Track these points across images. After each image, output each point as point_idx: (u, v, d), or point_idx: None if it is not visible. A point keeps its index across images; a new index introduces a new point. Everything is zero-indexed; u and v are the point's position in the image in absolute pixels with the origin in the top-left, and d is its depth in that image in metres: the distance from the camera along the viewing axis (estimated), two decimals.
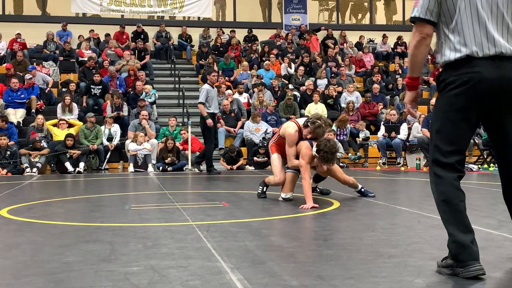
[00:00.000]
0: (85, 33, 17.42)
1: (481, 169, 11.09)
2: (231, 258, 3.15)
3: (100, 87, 14.10)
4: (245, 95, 14.77)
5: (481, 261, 3.01)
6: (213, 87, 11.00)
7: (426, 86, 16.75)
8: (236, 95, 14.55)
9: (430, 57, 18.44)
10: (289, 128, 5.88)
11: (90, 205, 5.90)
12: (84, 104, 13.97)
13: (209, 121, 10.51)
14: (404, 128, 12.18)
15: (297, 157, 5.77)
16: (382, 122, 12.86)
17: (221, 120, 12.96)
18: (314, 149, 5.55)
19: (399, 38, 18.98)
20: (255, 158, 12.16)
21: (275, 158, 6.10)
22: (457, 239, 2.68)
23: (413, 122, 12.41)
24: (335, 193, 6.43)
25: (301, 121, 5.95)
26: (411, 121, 12.68)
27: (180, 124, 13.72)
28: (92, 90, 14.07)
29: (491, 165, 11.43)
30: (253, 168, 12.04)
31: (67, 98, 12.99)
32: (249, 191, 7.02)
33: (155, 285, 2.62)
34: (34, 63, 15.39)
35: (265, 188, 6.26)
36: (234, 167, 11.95)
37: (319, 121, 5.72)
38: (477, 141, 12.20)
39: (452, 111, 2.72)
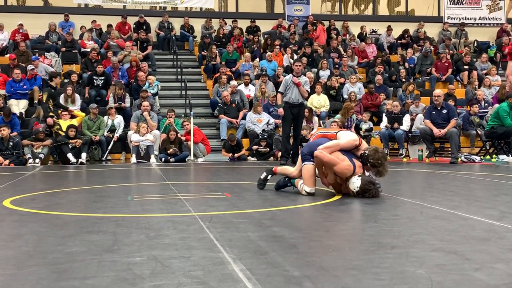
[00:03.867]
0: (87, 24, 17.41)
1: (483, 161, 11.08)
2: (233, 248, 3.16)
3: (103, 78, 14.09)
4: (251, 87, 14.73)
5: (484, 252, 3.01)
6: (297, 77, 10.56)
7: (428, 77, 16.72)
8: (242, 86, 14.52)
9: (433, 48, 18.39)
10: (355, 138, 5.54)
11: (93, 196, 5.91)
12: (87, 95, 13.97)
13: (280, 110, 10.56)
14: (406, 119, 12.16)
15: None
16: (384, 113, 12.84)
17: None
18: (356, 188, 5.26)
19: (406, 31, 18.89)
20: (254, 147, 12.14)
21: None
22: None
23: (416, 113, 12.39)
24: None
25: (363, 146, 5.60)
26: (413, 112, 12.67)
27: (182, 116, 13.73)
28: (94, 81, 14.06)
29: (494, 156, 11.42)
30: (255, 159, 12.05)
31: (69, 89, 12.99)
32: (251, 182, 7.02)
33: (158, 275, 2.63)
34: (37, 53, 15.38)
35: (269, 176, 6.17)
36: (236, 155, 11.96)
37: (379, 165, 5.38)
38: (479, 132, 12.18)
39: None
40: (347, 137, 5.58)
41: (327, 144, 5.47)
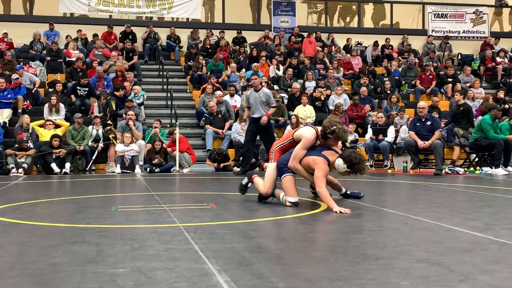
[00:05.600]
0: (72, 33, 17.34)
1: (467, 172, 11.17)
2: (218, 260, 3.14)
3: (86, 89, 14.06)
4: (237, 97, 14.75)
5: (468, 264, 3.03)
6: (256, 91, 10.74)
7: (412, 90, 16.86)
8: (227, 97, 14.54)
9: (417, 61, 18.56)
10: (308, 132, 5.68)
11: (77, 206, 5.86)
12: (74, 99, 13.88)
13: (242, 124, 10.70)
14: (391, 130, 12.24)
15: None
16: (369, 125, 12.90)
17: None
18: (343, 165, 5.40)
19: (387, 39, 19.08)
20: (241, 158, 12.14)
21: (273, 168, 5.83)
22: None
23: (400, 125, 12.48)
24: None
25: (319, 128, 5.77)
26: (398, 123, 12.75)
27: (168, 126, 13.69)
28: (78, 91, 14.01)
29: (477, 168, 11.51)
30: (240, 169, 12.01)
31: (53, 98, 12.92)
32: (236, 193, 7.00)
33: (142, 287, 2.61)
34: (21, 62, 15.28)
35: (249, 184, 6.14)
36: (221, 165, 11.95)
37: (334, 122, 5.62)
38: (463, 144, 12.28)
39: None
40: (304, 139, 5.65)
41: (293, 155, 5.64)
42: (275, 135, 11.99)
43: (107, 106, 12.58)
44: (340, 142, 12.16)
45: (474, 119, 13.71)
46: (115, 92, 12.91)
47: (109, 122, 12.27)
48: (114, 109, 12.53)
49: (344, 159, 5.43)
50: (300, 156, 5.61)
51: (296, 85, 15.07)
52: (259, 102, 10.62)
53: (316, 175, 5.44)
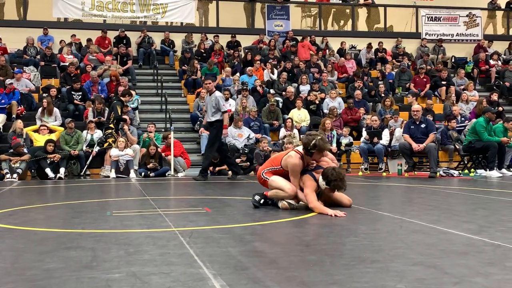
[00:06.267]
0: (66, 38, 17.31)
1: (461, 175, 11.20)
2: (214, 264, 3.14)
3: (80, 93, 14.06)
4: (231, 101, 14.75)
5: (463, 266, 3.03)
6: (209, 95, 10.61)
7: (406, 93, 16.91)
8: None
9: (411, 64, 18.62)
10: (292, 157, 5.66)
11: (71, 211, 5.84)
12: (66, 110, 13.87)
13: (201, 130, 10.49)
14: (386, 133, 12.26)
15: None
16: (364, 128, 12.92)
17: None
18: (322, 182, 5.48)
19: (380, 43, 19.13)
20: (236, 160, 12.15)
21: (277, 177, 5.78)
22: None
23: (395, 128, 12.51)
24: None
25: (299, 148, 5.75)
26: (392, 126, 12.78)
27: (162, 130, 13.68)
28: (73, 96, 14.01)
29: (472, 170, 11.55)
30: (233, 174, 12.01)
31: (45, 101, 12.89)
32: (231, 197, 7.00)
33: None
34: (15, 67, 15.24)
35: (262, 200, 5.88)
36: (216, 169, 11.94)
37: (312, 136, 5.59)
38: (458, 147, 12.32)
39: None
40: (291, 166, 5.67)
41: (292, 180, 5.70)
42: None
43: (112, 109, 12.50)
44: (334, 145, 12.25)
45: (468, 122, 13.78)
46: (120, 97, 12.92)
47: (111, 125, 12.23)
48: (120, 113, 12.53)
49: (322, 175, 5.50)
50: (297, 184, 5.68)
51: (291, 88, 15.09)
52: (210, 106, 10.40)
53: (306, 193, 5.52)
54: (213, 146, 10.51)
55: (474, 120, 12.57)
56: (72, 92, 14.02)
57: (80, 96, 14.07)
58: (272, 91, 15.36)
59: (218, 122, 10.35)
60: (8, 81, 13.60)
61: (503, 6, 21.74)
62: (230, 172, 11.47)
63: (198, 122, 13.82)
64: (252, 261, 3.25)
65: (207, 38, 18.33)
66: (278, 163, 5.86)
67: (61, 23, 18.39)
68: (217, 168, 12.03)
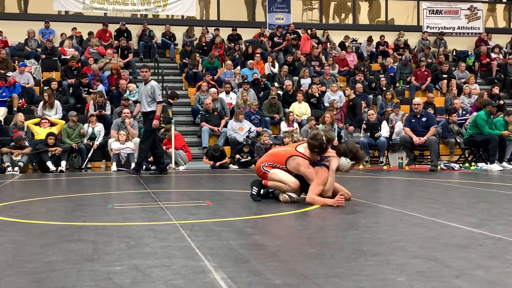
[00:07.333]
0: (67, 31, 17.28)
1: (462, 168, 11.20)
2: (215, 257, 3.15)
3: (86, 89, 14.15)
4: (232, 94, 14.75)
5: (463, 259, 3.04)
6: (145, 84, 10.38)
7: (407, 86, 16.89)
8: (223, 94, 14.54)
9: (412, 57, 18.58)
10: (296, 159, 5.60)
11: (73, 204, 5.85)
12: (67, 103, 13.86)
13: (155, 123, 10.14)
14: (385, 126, 12.23)
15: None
16: (364, 121, 12.91)
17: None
18: (345, 161, 5.47)
19: (381, 37, 19.08)
20: (237, 156, 12.16)
21: (278, 170, 5.70)
22: None
23: (395, 121, 12.49)
24: None
25: (301, 149, 5.69)
26: (393, 120, 12.77)
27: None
28: (80, 90, 14.04)
29: (473, 164, 11.54)
30: (237, 167, 12.04)
31: (46, 94, 12.88)
32: (233, 190, 7.01)
33: (138, 284, 2.61)
34: (16, 61, 15.22)
35: (261, 190, 5.85)
36: (218, 163, 11.94)
37: (318, 135, 5.54)
38: (458, 140, 12.31)
39: None
40: (306, 168, 5.59)
41: (313, 191, 5.52)
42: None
43: (162, 113, 12.41)
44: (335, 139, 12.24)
45: (469, 115, 13.76)
46: (169, 100, 12.89)
47: (162, 125, 12.25)
48: (171, 116, 12.57)
49: (343, 155, 5.50)
50: (312, 176, 5.55)
51: (289, 82, 15.06)
52: (145, 95, 10.15)
53: (312, 188, 5.49)
54: (149, 138, 10.23)
55: (475, 113, 12.55)
56: (81, 87, 14.06)
57: (86, 91, 14.11)
58: (276, 84, 15.36)
59: (154, 113, 10.08)
60: (9, 74, 13.58)
61: None
62: (233, 166, 11.51)
63: (199, 116, 13.82)
64: (253, 254, 3.26)
65: (208, 31, 18.29)
66: (282, 162, 5.72)
67: (61, 16, 18.37)
68: (218, 163, 12.03)
